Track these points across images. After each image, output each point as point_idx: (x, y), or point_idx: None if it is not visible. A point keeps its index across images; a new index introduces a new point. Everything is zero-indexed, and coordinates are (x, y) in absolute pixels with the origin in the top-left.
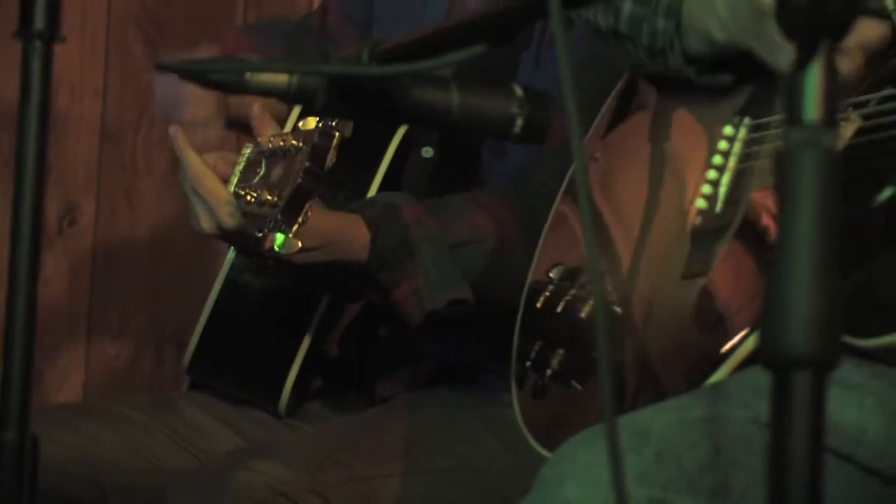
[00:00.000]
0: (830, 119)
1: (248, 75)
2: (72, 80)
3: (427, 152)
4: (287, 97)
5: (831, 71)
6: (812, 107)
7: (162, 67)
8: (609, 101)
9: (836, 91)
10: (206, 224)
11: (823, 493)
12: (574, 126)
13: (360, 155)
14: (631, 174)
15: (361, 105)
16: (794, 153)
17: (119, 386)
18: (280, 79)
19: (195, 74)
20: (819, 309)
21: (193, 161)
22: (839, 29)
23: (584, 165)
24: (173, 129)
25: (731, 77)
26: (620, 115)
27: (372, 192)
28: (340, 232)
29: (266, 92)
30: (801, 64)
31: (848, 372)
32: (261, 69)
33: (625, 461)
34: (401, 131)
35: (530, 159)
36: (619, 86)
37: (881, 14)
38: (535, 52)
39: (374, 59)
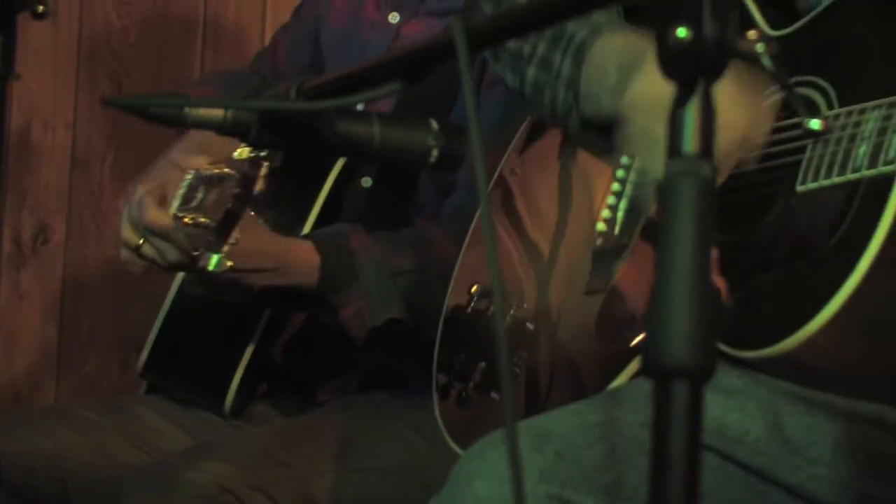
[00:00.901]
0: (706, 151)
1: (186, 110)
2: (45, 114)
3: (366, 182)
4: (222, 130)
5: (707, 108)
6: (690, 140)
7: (109, 103)
8: (522, 130)
9: (711, 126)
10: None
11: (699, 490)
12: (479, 162)
13: (303, 182)
14: (543, 200)
15: (290, 137)
16: (674, 182)
17: (88, 389)
18: (216, 113)
19: (139, 109)
20: (696, 324)
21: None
22: (714, 70)
23: (486, 202)
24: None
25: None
26: (536, 134)
27: (313, 216)
28: (292, 256)
29: (203, 125)
30: (680, 102)
31: (732, 380)
32: (198, 105)
33: (528, 460)
34: (341, 161)
35: (472, 197)
36: None
37: (751, 57)
38: (476, 93)
39: (301, 96)
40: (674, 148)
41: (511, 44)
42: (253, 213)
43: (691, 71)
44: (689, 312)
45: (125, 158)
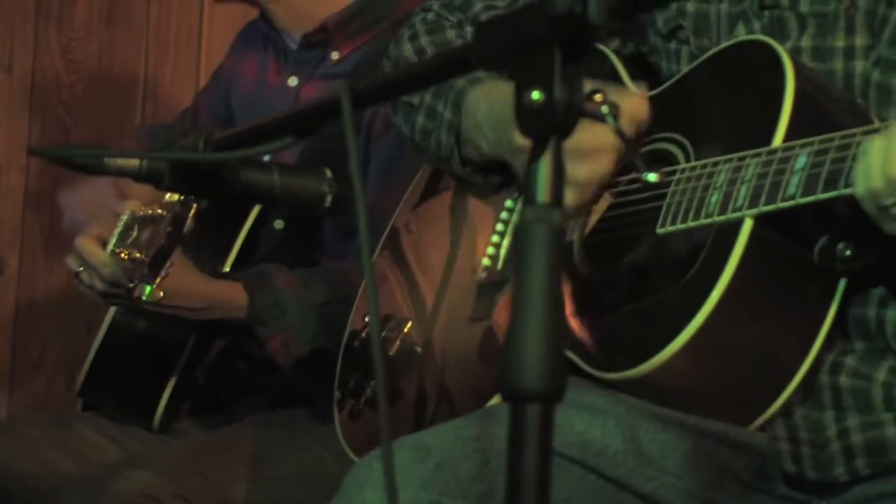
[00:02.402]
0: (556, 200)
1: (106, 160)
2: (0, 159)
3: (278, 224)
4: (138, 178)
5: (558, 162)
6: (543, 190)
7: (35, 153)
8: (419, 178)
9: (562, 178)
10: (87, 278)
11: (550, 499)
12: (360, 206)
13: (224, 223)
14: (436, 238)
15: (199, 184)
16: (528, 227)
17: (38, 405)
18: (132, 163)
19: (64, 159)
20: (546, 354)
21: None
22: (564, 129)
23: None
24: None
25: (500, 177)
26: (430, 190)
27: (233, 254)
28: (222, 297)
29: (121, 173)
30: (535, 156)
31: (595, 399)
32: (115, 156)
33: (411, 471)
34: (258, 206)
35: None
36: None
37: (598, 117)
38: (364, 145)
39: (208, 147)
40: (528, 197)
41: (405, 97)
42: (182, 252)
43: (544, 129)
44: (540, 343)
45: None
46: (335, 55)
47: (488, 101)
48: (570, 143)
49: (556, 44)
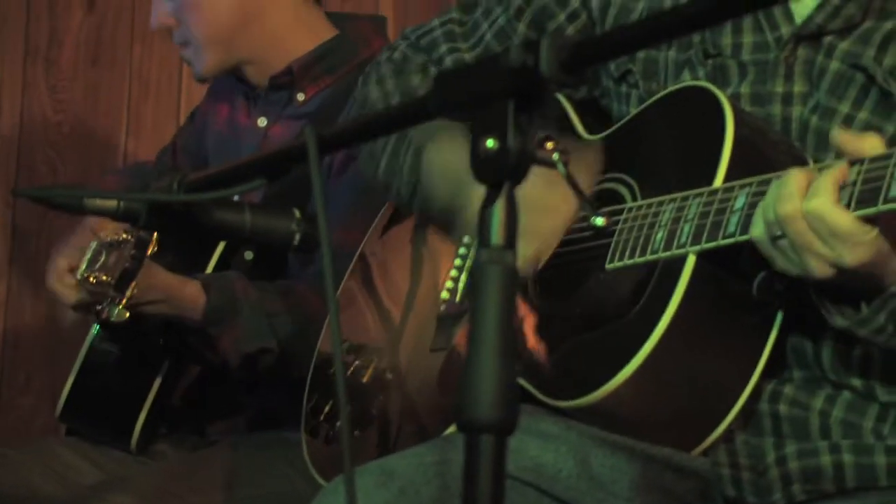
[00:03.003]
0: (510, 243)
1: (85, 200)
2: None
3: (248, 255)
4: (116, 217)
5: (511, 206)
6: (497, 234)
7: (18, 194)
8: (384, 210)
9: (515, 221)
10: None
11: None
12: (325, 242)
13: (196, 252)
14: (401, 268)
15: (174, 222)
16: (483, 268)
17: (24, 429)
18: (110, 203)
19: (46, 199)
20: (499, 388)
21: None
22: (517, 175)
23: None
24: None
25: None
26: (395, 220)
27: None
28: (182, 292)
29: (99, 213)
30: (489, 201)
31: (549, 426)
32: (94, 196)
33: (375, 495)
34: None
35: (336, 265)
36: None
37: (549, 164)
38: (325, 181)
39: (182, 188)
40: (483, 239)
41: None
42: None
43: (498, 175)
44: (493, 377)
45: (57, 233)
46: (300, 96)
47: (442, 157)
48: (531, 198)
49: (509, 95)
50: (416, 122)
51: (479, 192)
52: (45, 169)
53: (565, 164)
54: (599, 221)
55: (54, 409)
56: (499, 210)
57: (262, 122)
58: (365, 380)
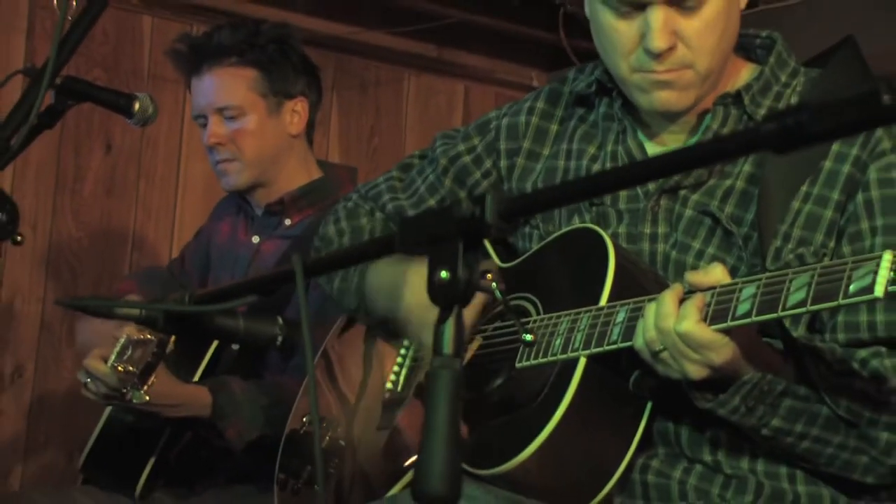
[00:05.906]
0: (457, 352)
1: (115, 309)
2: (23, 291)
3: (235, 347)
4: (139, 321)
5: (459, 324)
6: (447, 344)
7: (60, 303)
8: (342, 317)
9: (462, 336)
10: (92, 387)
11: None
12: (307, 345)
13: (194, 348)
14: (355, 361)
15: (184, 327)
16: (436, 371)
17: (44, 478)
18: (134, 311)
19: (82, 307)
20: (447, 468)
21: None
22: (465, 299)
23: (311, 367)
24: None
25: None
26: (349, 324)
27: (201, 368)
28: (192, 396)
29: (126, 318)
30: (441, 320)
31: (472, 489)
32: (121, 306)
33: None
34: None
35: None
36: None
37: (488, 291)
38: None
39: (192, 301)
40: (437, 349)
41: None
42: (165, 366)
43: (449, 299)
44: (443, 460)
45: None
46: (288, 221)
47: (380, 279)
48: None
49: (459, 237)
50: (382, 256)
51: (407, 304)
52: (68, 275)
53: (502, 293)
54: (528, 338)
55: (69, 462)
56: (449, 327)
57: (255, 239)
58: (324, 445)
